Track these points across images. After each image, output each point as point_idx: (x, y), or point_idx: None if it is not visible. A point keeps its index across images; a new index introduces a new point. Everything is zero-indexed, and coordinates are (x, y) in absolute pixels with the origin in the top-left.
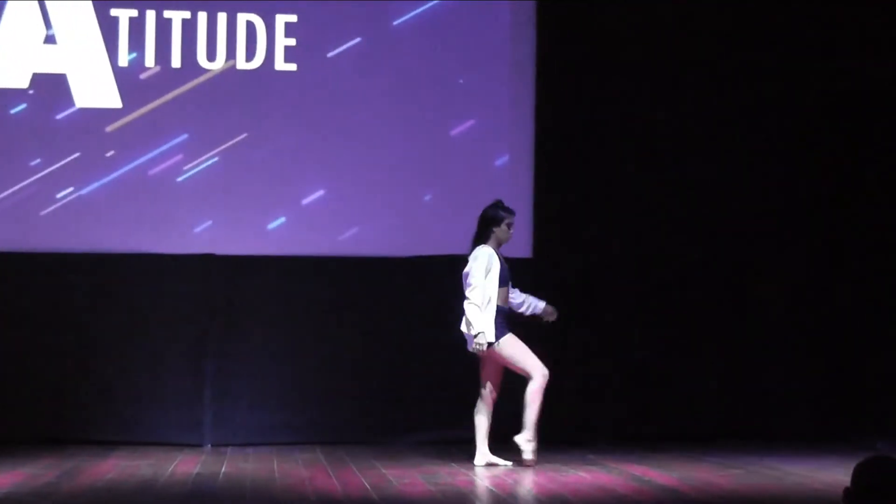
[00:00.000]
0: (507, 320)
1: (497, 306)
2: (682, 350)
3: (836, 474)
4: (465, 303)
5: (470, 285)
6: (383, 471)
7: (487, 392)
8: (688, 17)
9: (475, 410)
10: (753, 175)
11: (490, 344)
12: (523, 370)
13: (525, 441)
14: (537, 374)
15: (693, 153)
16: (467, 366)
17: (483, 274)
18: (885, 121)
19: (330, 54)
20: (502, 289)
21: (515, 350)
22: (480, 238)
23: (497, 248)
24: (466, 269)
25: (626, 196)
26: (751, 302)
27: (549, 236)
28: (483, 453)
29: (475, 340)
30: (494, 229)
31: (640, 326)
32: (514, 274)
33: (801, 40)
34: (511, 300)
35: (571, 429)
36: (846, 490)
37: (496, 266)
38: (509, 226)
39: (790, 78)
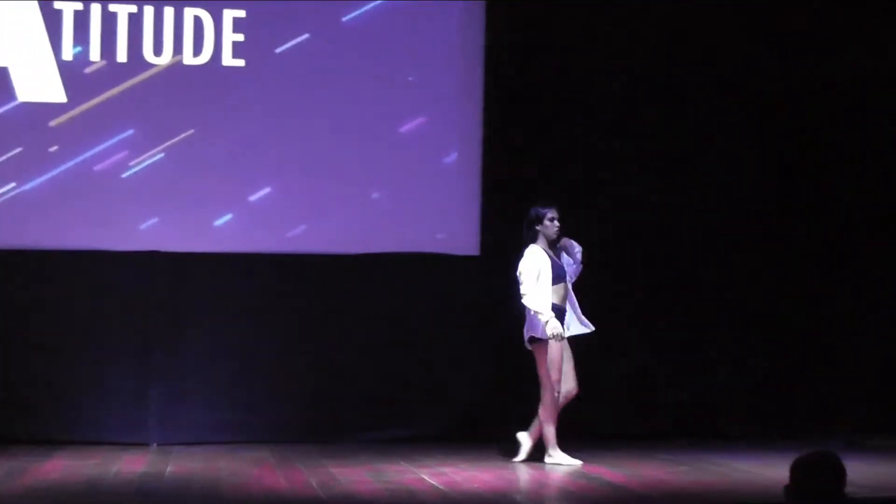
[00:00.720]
0: (561, 321)
1: (553, 304)
2: (632, 349)
3: (783, 471)
4: (522, 299)
5: (522, 287)
6: (331, 469)
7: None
8: (638, 13)
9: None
10: (706, 173)
11: (536, 340)
12: (542, 380)
13: (549, 456)
14: (549, 391)
15: (644, 151)
16: (417, 364)
17: (534, 277)
18: (844, 121)
19: (278, 50)
20: (557, 286)
21: (552, 357)
22: (528, 240)
23: (548, 246)
24: (517, 272)
25: (574, 194)
26: (701, 301)
27: (498, 234)
28: (551, 454)
29: (547, 327)
30: (538, 228)
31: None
32: (464, 272)
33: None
34: (570, 277)
35: (519, 426)
36: (786, 486)
37: (546, 265)
38: (552, 220)
39: (747, 74)
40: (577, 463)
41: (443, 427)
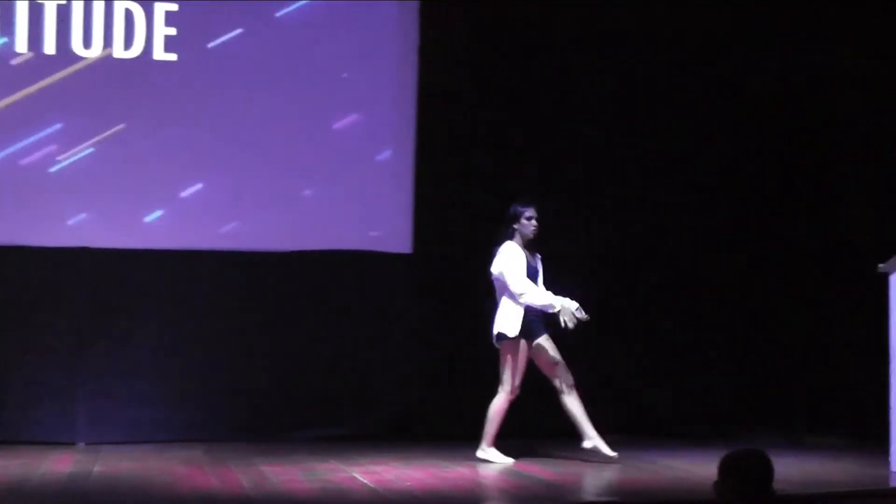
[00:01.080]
0: (537, 319)
1: (528, 305)
2: (569, 348)
3: (712, 467)
4: (521, 299)
5: (507, 283)
6: (263, 468)
7: (559, 385)
8: (571, 11)
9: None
10: (642, 171)
11: (505, 337)
12: (501, 378)
13: (481, 451)
14: (509, 390)
15: (577, 149)
16: (350, 363)
17: (520, 272)
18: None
19: (211, 45)
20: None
21: (514, 358)
22: (505, 238)
23: (525, 244)
24: (492, 268)
25: (507, 193)
26: (638, 300)
27: (430, 232)
28: (590, 437)
29: (563, 315)
30: (515, 226)
31: None
32: (401, 270)
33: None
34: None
35: (451, 424)
36: (715, 483)
37: (521, 263)
38: (529, 219)
39: (685, 73)
40: (509, 461)
41: (376, 425)
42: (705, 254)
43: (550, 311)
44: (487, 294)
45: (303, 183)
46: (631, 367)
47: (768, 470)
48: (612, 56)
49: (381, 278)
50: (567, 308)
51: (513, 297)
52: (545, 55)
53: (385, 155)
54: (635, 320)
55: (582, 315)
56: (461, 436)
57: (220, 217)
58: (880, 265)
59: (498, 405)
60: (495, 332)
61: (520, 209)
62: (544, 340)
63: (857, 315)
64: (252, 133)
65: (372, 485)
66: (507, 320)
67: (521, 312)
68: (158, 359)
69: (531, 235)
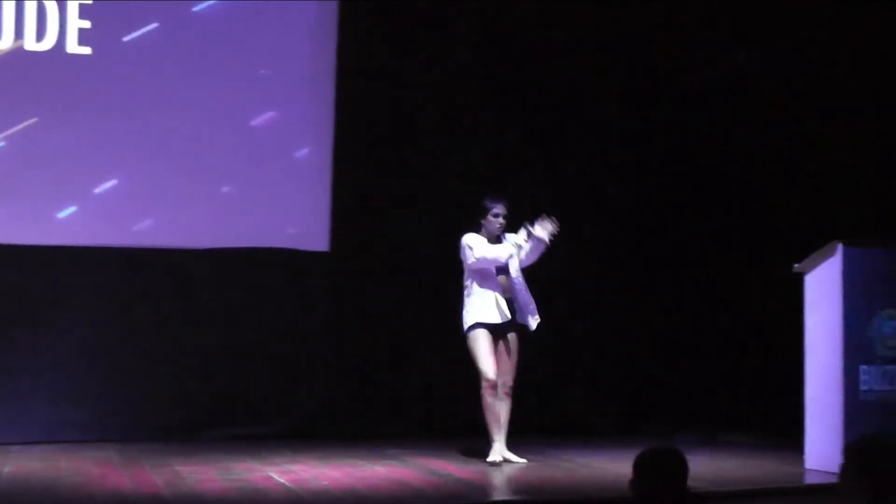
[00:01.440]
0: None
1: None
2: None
3: (629, 466)
4: (474, 265)
5: (467, 261)
6: (177, 468)
7: (499, 382)
8: (489, 7)
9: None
10: (554, 164)
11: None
12: (477, 369)
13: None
14: (482, 379)
15: (497, 144)
16: (266, 361)
17: (470, 248)
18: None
19: (126, 38)
20: (499, 277)
21: (476, 347)
22: (472, 228)
23: (492, 239)
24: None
25: (426, 190)
26: (550, 299)
27: (348, 230)
28: (496, 449)
29: (503, 252)
30: (482, 221)
31: (440, 319)
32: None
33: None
34: (520, 269)
35: (367, 423)
36: (631, 481)
37: (482, 242)
38: (496, 215)
39: (598, 72)
40: (499, 458)
41: (292, 424)
42: (619, 250)
43: (506, 258)
44: (404, 292)
45: (219, 180)
46: (546, 365)
47: (683, 468)
48: (532, 50)
49: (297, 276)
50: (506, 250)
51: (468, 288)
52: (463, 52)
53: (303, 152)
54: (549, 317)
55: (544, 226)
56: (377, 435)
57: (135, 214)
58: (795, 265)
59: (482, 401)
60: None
61: (488, 204)
62: (506, 339)
63: (771, 314)
64: (168, 129)
65: (289, 484)
66: (466, 311)
67: (478, 303)
68: (71, 358)
69: (496, 233)
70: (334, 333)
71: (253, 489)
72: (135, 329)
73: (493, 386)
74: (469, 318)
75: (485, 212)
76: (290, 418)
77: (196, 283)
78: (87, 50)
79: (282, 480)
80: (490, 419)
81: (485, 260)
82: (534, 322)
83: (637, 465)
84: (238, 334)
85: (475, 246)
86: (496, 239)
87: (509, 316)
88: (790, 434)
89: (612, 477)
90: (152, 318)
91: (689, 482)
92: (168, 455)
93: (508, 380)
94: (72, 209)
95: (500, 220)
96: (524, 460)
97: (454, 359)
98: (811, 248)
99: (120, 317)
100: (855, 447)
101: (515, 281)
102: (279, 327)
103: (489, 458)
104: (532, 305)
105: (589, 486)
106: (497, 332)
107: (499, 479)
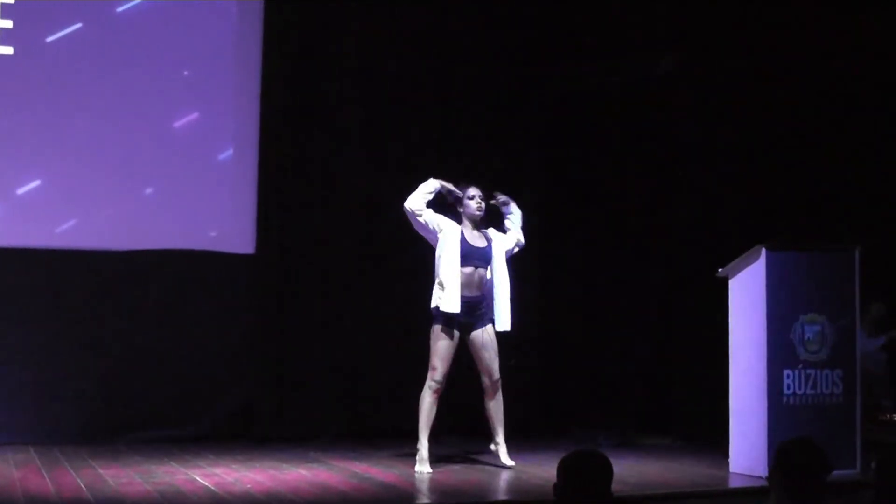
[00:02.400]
0: (468, 310)
1: (464, 296)
2: (399, 347)
3: (553, 469)
4: (408, 208)
5: (415, 220)
6: (100, 471)
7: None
8: (417, 9)
9: None
10: (474, 171)
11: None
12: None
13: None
14: (430, 377)
15: (420, 148)
16: (190, 364)
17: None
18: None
19: (49, 39)
20: (469, 269)
21: (432, 341)
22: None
23: (474, 226)
24: None
25: (352, 192)
26: None
27: (274, 232)
28: (422, 457)
29: (427, 186)
30: (460, 209)
31: (365, 322)
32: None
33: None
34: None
35: (290, 426)
36: (555, 485)
37: (454, 241)
38: (471, 198)
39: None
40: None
41: (215, 427)
42: (543, 251)
43: (432, 189)
44: (328, 294)
45: (143, 181)
46: (464, 369)
47: (607, 471)
48: (459, 53)
49: (221, 279)
50: (429, 185)
51: (436, 277)
52: (390, 54)
53: (227, 154)
54: None
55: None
56: (301, 437)
57: (58, 215)
58: (719, 269)
59: (421, 398)
60: None
61: (463, 190)
62: (478, 333)
63: (694, 318)
64: (92, 130)
65: (211, 487)
66: (433, 301)
67: (443, 294)
68: None
69: (476, 213)
70: (258, 336)
71: (176, 492)
72: (56, 331)
73: (438, 389)
74: (437, 309)
75: (458, 200)
76: (211, 421)
77: (119, 284)
78: (9, 50)
79: (205, 483)
80: (422, 420)
81: (414, 200)
82: (501, 325)
83: (561, 469)
84: (160, 336)
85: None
86: (479, 225)
87: (479, 311)
88: (713, 437)
89: (538, 480)
90: (75, 320)
91: (614, 485)
92: (88, 458)
93: (492, 374)
94: None
95: (477, 200)
96: (512, 463)
97: (378, 362)
98: (736, 252)
99: (42, 318)
100: (781, 450)
101: (497, 284)
102: (202, 329)
103: (416, 468)
104: (505, 310)
105: (514, 489)
106: (465, 326)
107: (423, 482)
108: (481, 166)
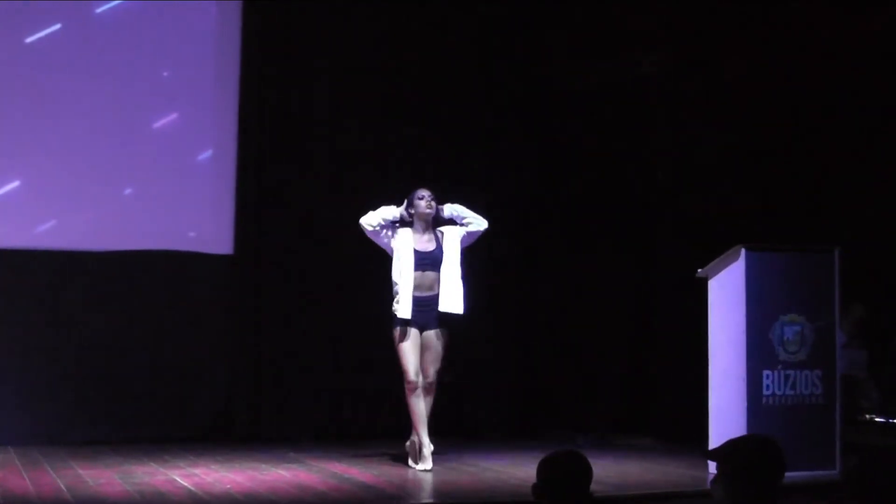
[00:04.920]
0: (421, 311)
1: (416, 297)
2: (377, 347)
3: (532, 469)
4: (365, 226)
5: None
6: (79, 471)
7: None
8: (398, 16)
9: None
10: (449, 175)
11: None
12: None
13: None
14: (405, 379)
15: (396, 151)
16: (169, 364)
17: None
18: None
19: (28, 40)
20: (422, 273)
21: (396, 346)
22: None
23: (424, 227)
24: None
25: (331, 194)
26: None
27: (252, 233)
28: (425, 455)
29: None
30: (411, 211)
31: (344, 323)
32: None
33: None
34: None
35: (269, 426)
36: (534, 485)
37: (406, 245)
38: (421, 198)
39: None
40: (414, 465)
41: (194, 428)
42: (515, 250)
43: (391, 216)
44: (307, 295)
45: (122, 182)
46: (442, 369)
47: (587, 472)
48: (433, 54)
49: (199, 279)
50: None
51: (394, 283)
52: (368, 55)
53: (206, 155)
54: None
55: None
56: (280, 438)
57: (37, 215)
58: (699, 270)
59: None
60: None
61: (411, 194)
62: (428, 334)
63: (673, 318)
64: (71, 131)
65: (191, 487)
66: (393, 307)
67: (399, 298)
68: None
69: (426, 211)
70: (236, 336)
71: (156, 493)
72: (34, 330)
73: (415, 387)
74: (394, 314)
75: (409, 201)
76: (191, 421)
77: (98, 285)
78: None
79: (184, 484)
80: (413, 419)
81: (370, 218)
82: (449, 307)
83: (541, 469)
84: (139, 336)
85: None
86: (429, 225)
87: (432, 312)
88: (693, 438)
89: (516, 481)
90: (53, 320)
91: (593, 486)
92: (67, 458)
93: (428, 375)
94: None
95: (427, 199)
96: (428, 466)
97: (356, 362)
98: (715, 252)
99: (20, 318)
100: (733, 447)
101: (445, 273)
102: (180, 330)
103: (419, 465)
104: (452, 295)
105: (494, 490)
106: (420, 327)
107: (402, 483)
108: (461, 165)
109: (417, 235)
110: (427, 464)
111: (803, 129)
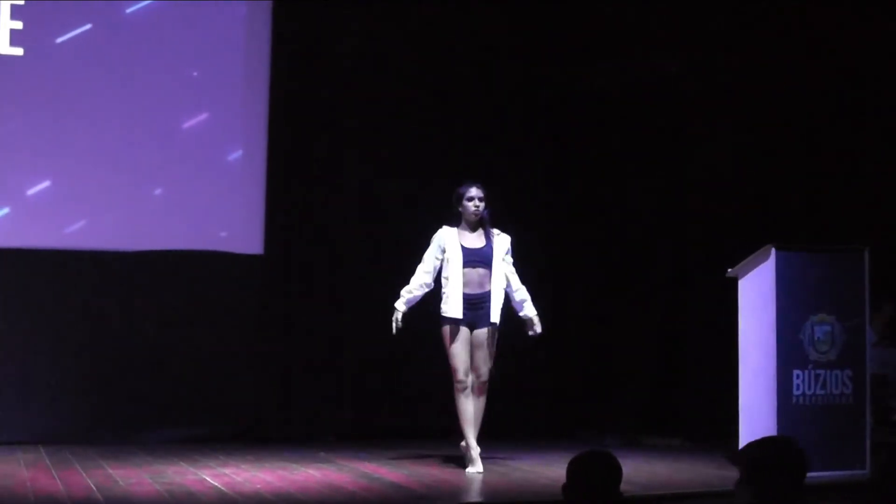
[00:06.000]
0: (471, 308)
1: (465, 293)
2: (408, 347)
3: (561, 469)
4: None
5: None
6: (109, 471)
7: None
8: (418, 17)
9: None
10: (481, 173)
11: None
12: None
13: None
14: (454, 378)
15: (428, 148)
16: (199, 364)
17: (430, 253)
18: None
19: (59, 40)
20: (471, 270)
21: (445, 345)
22: (452, 222)
23: (472, 227)
24: None
25: (359, 193)
26: None
27: (283, 233)
28: (472, 458)
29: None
30: (459, 209)
31: (373, 322)
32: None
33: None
34: (507, 290)
35: (300, 426)
36: (564, 486)
37: (454, 246)
38: (469, 199)
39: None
40: (473, 467)
41: (225, 427)
42: (550, 251)
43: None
44: (337, 295)
45: (152, 182)
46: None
47: (616, 472)
48: (469, 52)
49: (229, 279)
50: (395, 311)
51: (443, 280)
52: (399, 53)
53: (236, 154)
54: None
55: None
56: (310, 438)
57: (67, 216)
58: (729, 270)
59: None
60: None
61: (460, 190)
62: (479, 333)
63: (700, 318)
64: (101, 131)
65: (221, 487)
66: (447, 305)
67: (447, 297)
68: (1, 359)
69: (472, 217)
70: (266, 337)
71: (186, 492)
72: (65, 331)
73: (465, 386)
74: (442, 314)
75: (458, 199)
76: (222, 421)
77: (127, 285)
78: (18, 51)
79: (214, 483)
80: (461, 420)
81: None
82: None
83: (571, 469)
84: (169, 336)
85: (420, 269)
86: (476, 226)
87: (482, 310)
88: (722, 438)
89: (546, 480)
90: (83, 321)
91: (622, 486)
92: (98, 458)
93: (480, 374)
94: (4, 211)
95: (475, 202)
96: (480, 469)
97: (388, 362)
98: (745, 251)
99: (51, 319)
100: (744, 452)
101: (493, 278)
102: (211, 330)
103: (469, 468)
104: (497, 307)
105: (523, 490)
106: (470, 325)
107: (431, 483)
108: (488, 167)
109: (466, 232)
110: (477, 466)
111: (833, 129)
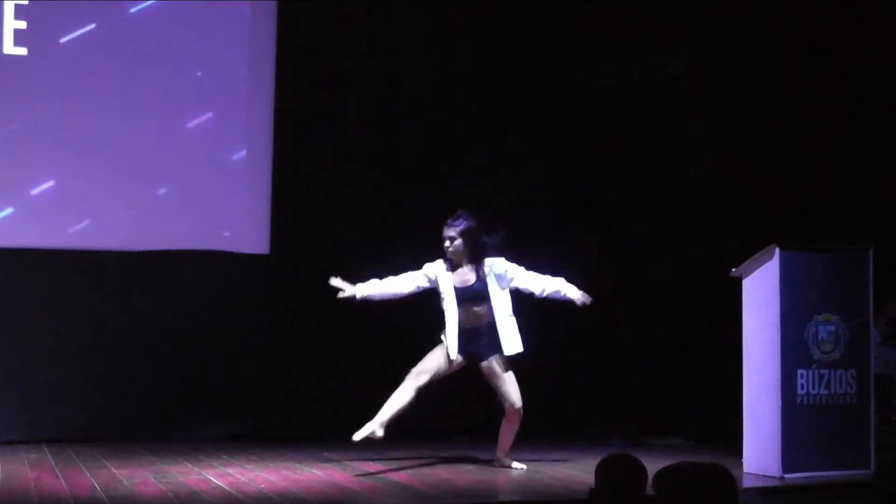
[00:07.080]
0: (471, 340)
1: (462, 326)
2: (410, 348)
3: (568, 469)
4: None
5: None
6: (114, 470)
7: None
8: (422, 17)
9: None
10: (488, 174)
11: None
12: None
13: None
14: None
15: (432, 149)
16: (203, 364)
17: (413, 274)
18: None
19: (63, 40)
20: (461, 310)
21: (429, 354)
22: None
23: (460, 264)
24: None
25: (364, 192)
26: None
27: (288, 233)
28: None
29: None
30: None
31: (378, 323)
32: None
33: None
34: (540, 294)
35: (304, 426)
36: (591, 489)
37: (444, 282)
38: (442, 240)
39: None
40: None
41: (229, 427)
42: (549, 249)
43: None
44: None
45: (157, 182)
46: (477, 370)
47: (643, 475)
48: (464, 55)
49: (234, 279)
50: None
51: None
52: (404, 52)
53: (240, 154)
54: None
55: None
56: (314, 437)
57: (71, 215)
58: (733, 269)
59: None
60: None
61: (443, 230)
62: (487, 365)
63: (704, 318)
64: (105, 130)
65: (225, 487)
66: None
67: (445, 330)
68: (6, 358)
69: (450, 256)
70: (271, 336)
71: (190, 492)
72: (69, 331)
73: (416, 386)
74: (441, 335)
75: (442, 239)
76: (224, 421)
77: (132, 285)
78: (22, 51)
79: (218, 483)
80: (389, 402)
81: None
82: (508, 350)
83: (599, 472)
84: (174, 337)
85: (400, 277)
86: (461, 263)
87: (482, 341)
88: (726, 438)
89: (551, 480)
90: (87, 321)
91: (648, 489)
92: (102, 457)
93: (514, 400)
94: (8, 211)
95: (447, 243)
96: (523, 466)
97: (390, 362)
98: (747, 251)
99: (55, 319)
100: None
101: (497, 311)
102: (216, 330)
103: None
104: (508, 336)
105: (532, 489)
106: (473, 357)
107: (436, 483)
108: (489, 167)
109: (454, 271)
110: (359, 433)
111: (837, 128)
